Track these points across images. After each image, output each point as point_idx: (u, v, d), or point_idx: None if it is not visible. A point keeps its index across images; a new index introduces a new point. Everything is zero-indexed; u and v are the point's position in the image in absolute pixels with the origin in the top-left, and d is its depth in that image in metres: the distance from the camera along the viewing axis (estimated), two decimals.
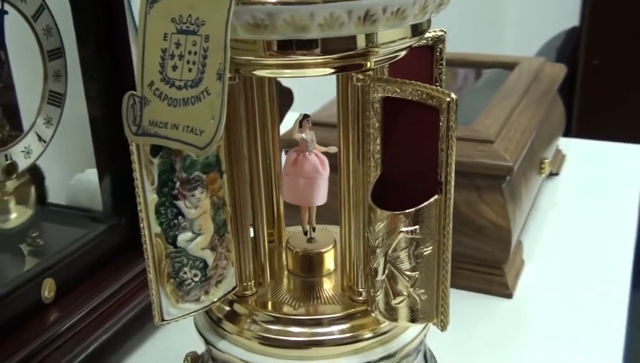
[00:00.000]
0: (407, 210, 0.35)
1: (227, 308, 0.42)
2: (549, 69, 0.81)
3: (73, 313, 0.52)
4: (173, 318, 0.38)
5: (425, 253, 0.36)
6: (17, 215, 0.53)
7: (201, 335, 0.42)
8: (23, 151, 0.50)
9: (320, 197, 0.42)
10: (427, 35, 0.45)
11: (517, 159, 0.58)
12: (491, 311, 0.59)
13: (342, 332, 0.40)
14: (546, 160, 0.71)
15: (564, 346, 0.54)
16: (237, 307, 0.41)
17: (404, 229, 0.35)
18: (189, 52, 0.32)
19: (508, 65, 0.80)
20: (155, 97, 0.33)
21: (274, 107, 0.44)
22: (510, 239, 0.58)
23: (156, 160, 0.35)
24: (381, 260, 0.36)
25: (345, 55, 0.35)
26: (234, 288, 0.41)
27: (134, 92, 0.33)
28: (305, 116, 0.42)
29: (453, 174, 0.35)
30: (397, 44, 0.37)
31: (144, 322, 0.54)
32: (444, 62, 0.45)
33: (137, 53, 0.33)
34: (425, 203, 0.35)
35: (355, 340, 0.40)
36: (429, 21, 0.39)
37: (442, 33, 0.45)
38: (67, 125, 0.53)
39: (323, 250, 0.44)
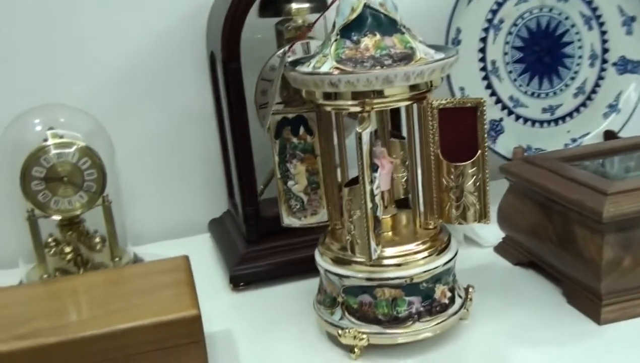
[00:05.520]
0: (346, 188, 0.65)
1: (323, 238, 0.76)
2: None
3: None
4: (287, 225, 0.76)
5: (355, 216, 0.65)
6: None
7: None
8: None
9: (384, 185, 0.72)
10: (469, 98, 0.69)
11: (619, 214, 0.70)
12: (574, 327, 0.73)
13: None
14: None
15: None
16: (327, 238, 0.75)
17: (345, 198, 0.65)
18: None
19: None
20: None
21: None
22: (600, 277, 0.71)
23: (277, 141, 0.73)
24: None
25: (357, 103, 0.67)
26: (325, 221, 0.75)
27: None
28: (377, 138, 0.72)
29: (365, 173, 0.62)
30: (398, 97, 0.66)
31: None
32: (486, 119, 0.68)
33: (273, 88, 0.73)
34: (352, 187, 0.64)
35: (376, 264, 0.69)
36: (427, 83, 0.66)
37: (482, 100, 0.68)
38: None
39: (383, 217, 0.73)
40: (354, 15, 0.67)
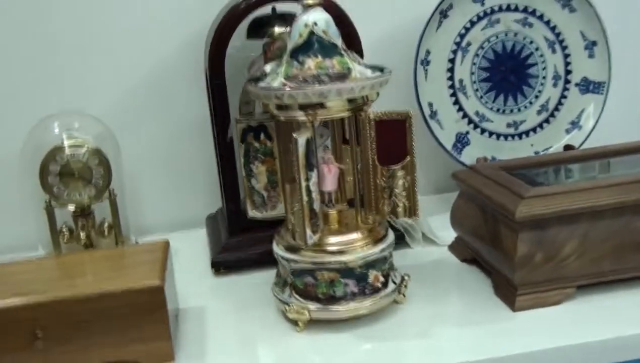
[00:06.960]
0: (287, 185, 0.78)
1: (280, 229, 0.88)
2: None
3: None
4: (251, 217, 0.89)
5: (295, 209, 0.77)
6: None
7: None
8: None
9: (329, 186, 0.84)
10: (398, 111, 0.81)
11: (530, 215, 0.81)
12: (493, 313, 0.84)
13: (315, 246, 0.82)
14: None
15: None
16: (283, 229, 0.88)
17: (287, 193, 0.78)
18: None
19: None
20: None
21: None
22: (514, 269, 0.82)
23: (243, 145, 0.87)
24: None
25: (303, 114, 0.79)
26: (282, 215, 0.88)
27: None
28: (326, 147, 0.84)
29: (301, 172, 0.75)
30: (337, 109, 0.78)
31: None
32: (412, 130, 0.80)
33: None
34: (293, 185, 0.77)
35: (320, 251, 0.82)
36: (363, 97, 0.78)
37: (410, 113, 0.80)
38: None
39: (330, 212, 0.85)
40: (301, 41, 0.79)
